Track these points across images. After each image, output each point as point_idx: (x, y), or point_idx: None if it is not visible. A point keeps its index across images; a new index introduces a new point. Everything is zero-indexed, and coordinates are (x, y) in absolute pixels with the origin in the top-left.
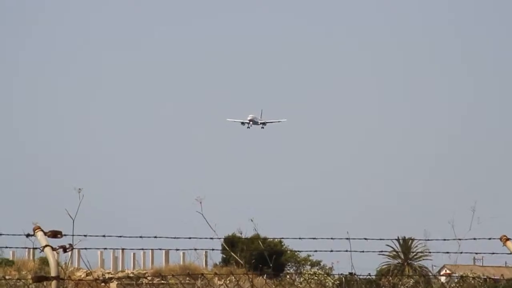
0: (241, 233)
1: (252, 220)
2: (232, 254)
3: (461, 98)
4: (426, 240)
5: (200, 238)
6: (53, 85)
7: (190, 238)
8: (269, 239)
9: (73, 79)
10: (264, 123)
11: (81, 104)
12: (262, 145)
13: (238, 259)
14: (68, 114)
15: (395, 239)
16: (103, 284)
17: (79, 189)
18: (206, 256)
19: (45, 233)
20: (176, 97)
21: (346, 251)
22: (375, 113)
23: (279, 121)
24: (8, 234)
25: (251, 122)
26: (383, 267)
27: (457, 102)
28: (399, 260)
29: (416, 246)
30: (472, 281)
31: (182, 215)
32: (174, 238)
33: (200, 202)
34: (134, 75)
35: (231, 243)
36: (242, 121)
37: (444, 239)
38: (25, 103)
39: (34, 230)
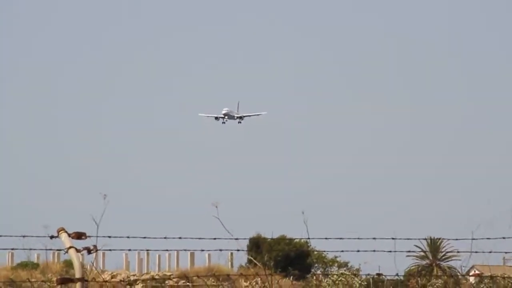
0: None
1: (303, 212)
2: (251, 258)
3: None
4: (455, 239)
5: (225, 239)
6: (70, 90)
7: (215, 239)
8: (295, 240)
9: (85, 82)
10: (241, 117)
11: (91, 109)
12: (243, 141)
13: (255, 261)
14: (88, 118)
15: (424, 239)
16: (128, 286)
17: (104, 195)
18: (231, 258)
19: (69, 235)
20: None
21: (374, 251)
22: (377, 102)
23: (258, 114)
24: (32, 236)
25: (226, 117)
26: (412, 267)
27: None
28: (428, 261)
29: (445, 247)
30: (502, 282)
31: (203, 217)
32: (199, 239)
33: (216, 207)
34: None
35: (256, 244)
36: (216, 116)
37: (473, 239)
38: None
39: (58, 231)
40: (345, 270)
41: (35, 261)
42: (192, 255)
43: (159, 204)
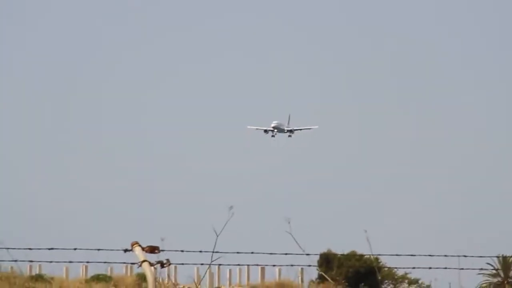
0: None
1: (366, 231)
2: (322, 273)
3: None
4: None
5: (296, 254)
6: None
7: (286, 254)
8: (365, 256)
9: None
10: (291, 131)
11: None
12: (298, 155)
13: (326, 276)
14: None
15: (495, 257)
16: None
17: (231, 206)
18: (302, 273)
19: (142, 249)
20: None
21: (445, 268)
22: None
23: (309, 128)
24: (106, 249)
25: (275, 130)
26: (483, 285)
27: None
28: (499, 278)
29: None
30: None
31: (275, 232)
32: (270, 254)
33: (289, 222)
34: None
35: (327, 259)
36: (265, 128)
37: None
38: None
39: (132, 245)
40: (416, 287)
41: (109, 274)
42: (262, 269)
43: (231, 219)
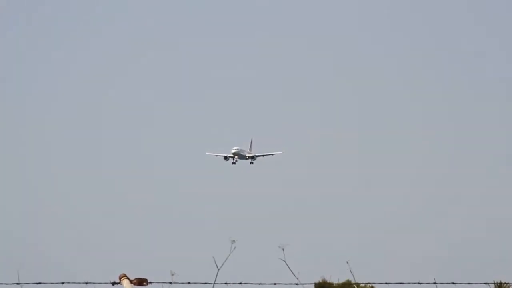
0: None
1: (347, 263)
2: None
3: None
4: None
5: (285, 284)
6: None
7: (275, 284)
8: (361, 285)
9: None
10: (253, 157)
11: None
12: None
13: None
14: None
15: (488, 283)
16: None
17: (233, 240)
18: None
19: (131, 281)
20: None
21: None
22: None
23: (273, 154)
24: (94, 283)
25: (236, 156)
26: None
27: None
28: None
29: None
30: None
31: (268, 260)
32: (259, 284)
33: (283, 249)
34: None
35: None
36: (225, 155)
37: None
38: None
39: (120, 278)
40: None
41: None
42: None
43: (216, 249)
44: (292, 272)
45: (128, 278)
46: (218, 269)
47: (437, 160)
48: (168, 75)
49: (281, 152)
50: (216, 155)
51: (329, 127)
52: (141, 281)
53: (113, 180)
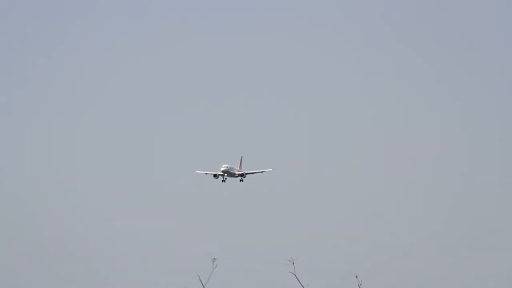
0: None
1: (356, 277)
2: None
3: None
4: None
5: None
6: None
7: None
8: None
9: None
10: (242, 175)
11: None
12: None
13: None
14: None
15: None
16: None
17: (214, 258)
18: None
19: None
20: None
21: None
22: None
23: (262, 171)
24: None
25: (225, 174)
26: None
27: None
28: None
29: None
30: None
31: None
32: None
33: (293, 263)
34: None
35: None
36: (215, 173)
37: None
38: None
39: None
40: None
41: None
42: None
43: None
44: (302, 286)
45: None
46: (204, 286)
47: None
48: (158, 92)
49: (271, 169)
50: (206, 173)
51: (320, 142)
52: None
53: (104, 201)
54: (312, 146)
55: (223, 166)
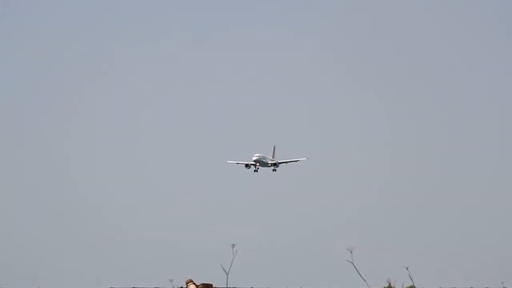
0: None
1: (407, 268)
2: None
3: None
4: None
5: None
6: None
7: None
8: None
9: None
10: (275, 164)
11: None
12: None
13: None
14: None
15: None
16: None
17: (233, 244)
18: None
19: (197, 286)
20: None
21: None
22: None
23: (297, 161)
24: None
25: (258, 164)
26: None
27: None
28: None
29: None
30: None
31: (336, 264)
32: None
33: (351, 252)
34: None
35: None
36: (246, 162)
37: None
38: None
39: (186, 283)
40: None
41: None
42: None
43: (283, 255)
44: (360, 274)
45: (194, 284)
46: (227, 274)
47: None
48: (188, 83)
49: (305, 159)
50: (237, 163)
51: (359, 134)
52: (207, 287)
53: (134, 192)
54: (359, 135)
55: (255, 155)
